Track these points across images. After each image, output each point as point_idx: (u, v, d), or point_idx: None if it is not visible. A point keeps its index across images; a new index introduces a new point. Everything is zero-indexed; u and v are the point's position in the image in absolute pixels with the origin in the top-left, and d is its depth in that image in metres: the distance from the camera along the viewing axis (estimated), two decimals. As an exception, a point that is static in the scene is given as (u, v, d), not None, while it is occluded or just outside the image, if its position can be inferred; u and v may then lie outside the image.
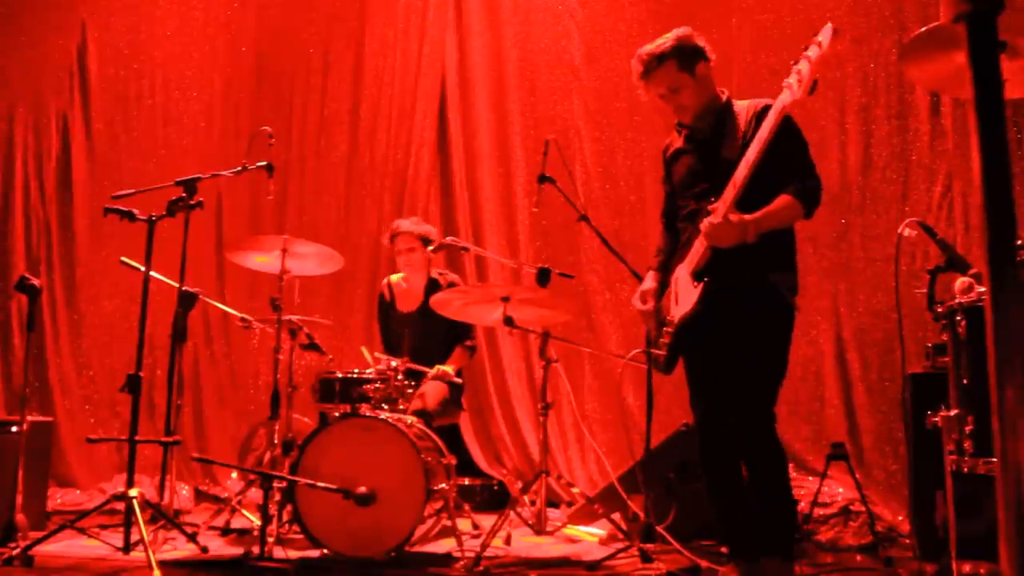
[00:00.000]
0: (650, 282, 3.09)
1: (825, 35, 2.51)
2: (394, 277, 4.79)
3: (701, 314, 2.78)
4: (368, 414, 3.60)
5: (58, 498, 5.08)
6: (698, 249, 2.79)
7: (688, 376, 3.00)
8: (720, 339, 2.80)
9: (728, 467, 2.89)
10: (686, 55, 2.91)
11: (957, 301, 2.62)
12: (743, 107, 2.93)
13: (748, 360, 2.78)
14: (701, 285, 2.76)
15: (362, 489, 3.27)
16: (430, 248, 4.50)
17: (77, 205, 5.92)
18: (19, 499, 3.62)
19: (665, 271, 3.07)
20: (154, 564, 3.03)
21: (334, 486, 3.28)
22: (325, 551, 3.38)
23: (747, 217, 2.67)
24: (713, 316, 2.77)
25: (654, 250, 3.23)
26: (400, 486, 3.34)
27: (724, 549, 3.21)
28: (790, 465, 3.04)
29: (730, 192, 2.67)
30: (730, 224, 2.66)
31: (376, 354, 4.19)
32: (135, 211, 3.70)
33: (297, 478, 3.38)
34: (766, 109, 2.75)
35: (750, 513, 2.83)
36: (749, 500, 2.83)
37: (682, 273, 2.88)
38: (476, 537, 3.76)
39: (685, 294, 2.85)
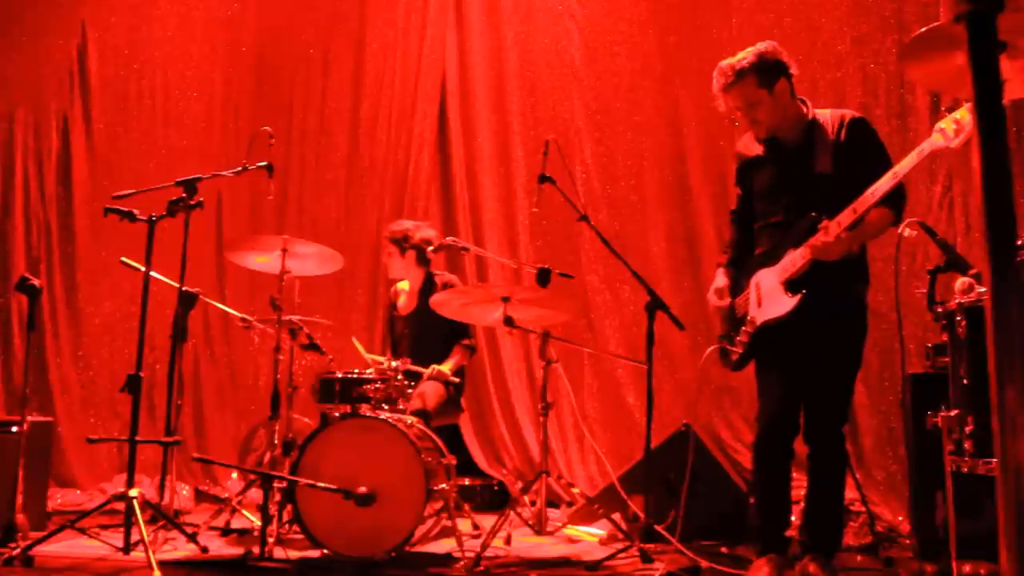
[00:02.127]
0: (724, 279, 3.24)
1: None
2: (400, 284, 4.80)
3: (794, 322, 2.92)
4: (368, 414, 3.60)
5: (58, 498, 5.08)
6: (795, 261, 2.92)
7: (765, 375, 3.12)
8: (810, 346, 2.95)
9: (784, 466, 3.07)
10: (766, 71, 2.98)
11: (957, 301, 2.62)
12: (827, 117, 3.04)
13: (836, 368, 2.98)
14: (799, 296, 2.90)
15: (362, 489, 3.27)
16: (430, 249, 4.49)
17: (77, 205, 5.92)
18: (19, 499, 3.62)
19: (736, 269, 3.22)
20: (154, 564, 3.03)
21: (334, 486, 3.28)
22: (325, 551, 3.38)
23: (853, 233, 2.81)
24: (805, 324, 2.91)
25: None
26: (400, 486, 3.34)
27: (723, 548, 3.23)
28: (807, 478, 3.13)
29: (848, 217, 2.78)
30: (840, 241, 2.81)
31: (372, 356, 4.18)
32: (135, 211, 3.70)
33: (297, 478, 3.37)
34: (855, 121, 2.97)
35: (789, 511, 3.09)
36: (789, 499, 3.08)
37: (768, 279, 3.02)
38: (476, 537, 3.76)
39: (773, 300, 2.99)
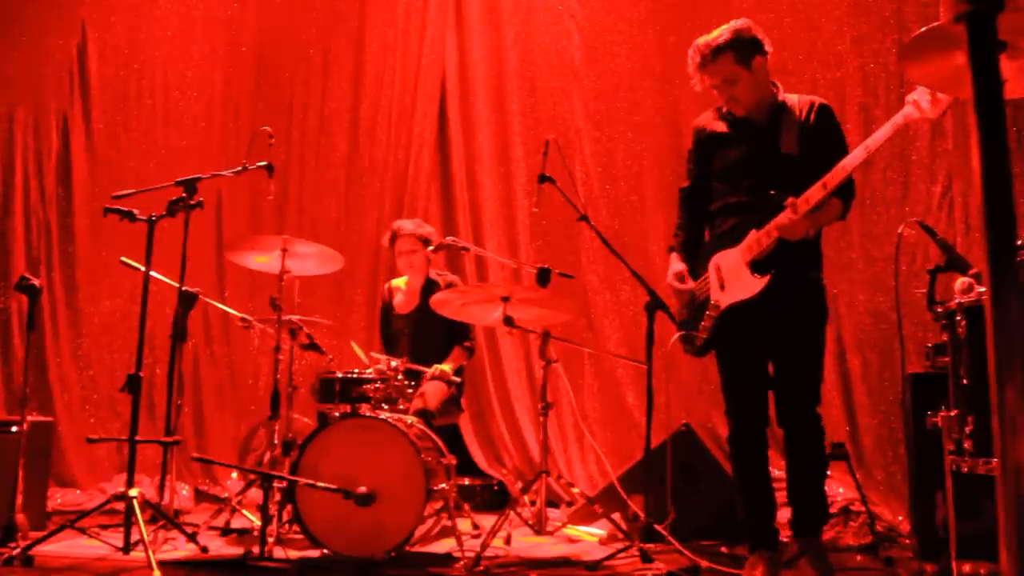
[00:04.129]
0: (681, 263, 3.18)
1: None
2: (395, 281, 4.80)
3: (760, 304, 2.88)
4: (368, 414, 3.60)
5: (58, 498, 5.08)
6: (761, 240, 2.89)
7: (730, 362, 3.08)
8: (775, 330, 2.93)
9: (763, 457, 3.04)
10: (744, 47, 2.94)
11: (957, 301, 2.62)
12: (795, 101, 3.01)
13: (805, 352, 2.95)
14: (768, 277, 2.87)
15: (362, 489, 3.27)
16: (430, 248, 4.50)
17: (77, 205, 5.92)
18: (19, 499, 3.61)
19: (689, 253, 3.18)
20: (154, 564, 3.03)
21: (334, 486, 3.28)
22: (325, 551, 3.38)
23: (812, 216, 2.80)
24: (771, 307, 2.88)
25: (673, 229, 3.30)
26: (400, 486, 3.34)
27: (723, 548, 3.23)
28: (785, 462, 3.09)
29: (818, 193, 2.75)
30: (804, 220, 2.79)
31: (373, 354, 4.19)
32: (135, 211, 3.70)
33: (297, 478, 3.37)
34: (824, 107, 2.95)
35: (773, 503, 3.05)
36: (772, 490, 3.04)
37: (729, 260, 2.98)
38: (476, 537, 3.76)
39: (739, 282, 2.94)
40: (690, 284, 3.14)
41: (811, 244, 2.96)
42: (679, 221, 3.29)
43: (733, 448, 3.08)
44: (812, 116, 2.96)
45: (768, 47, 2.99)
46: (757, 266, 2.90)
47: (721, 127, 3.11)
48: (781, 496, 3.14)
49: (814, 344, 2.98)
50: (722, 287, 3.01)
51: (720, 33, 2.95)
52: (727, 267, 2.99)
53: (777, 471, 4.56)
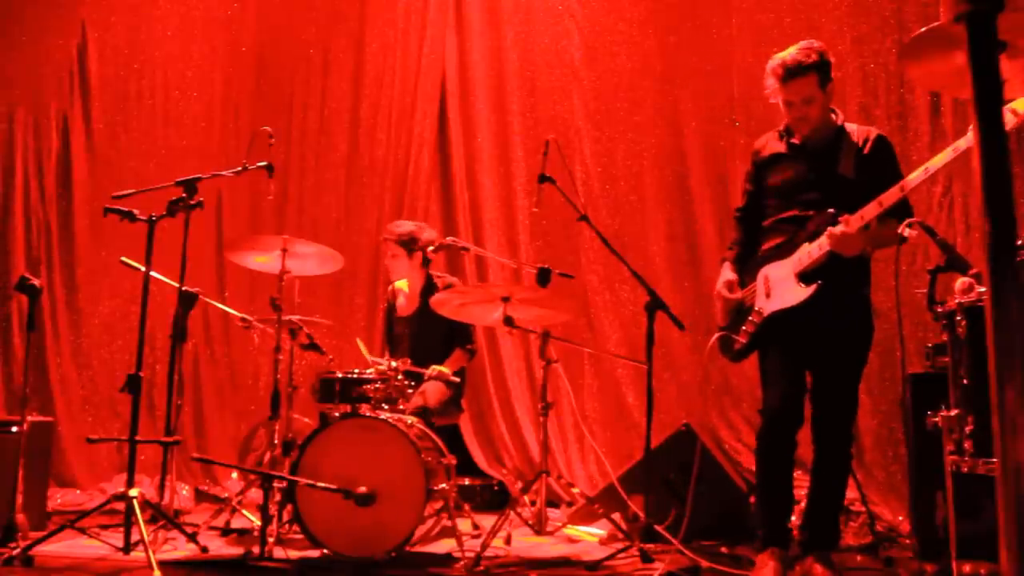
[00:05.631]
0: (732, 273, 3.27)
1: None
2: (398, 284, 4.80)
3: (804, 314, 2.95)
4: (368, 414, 3.60)
5: (58, 498, 5.08)
6: (812, 253, 2.96)
7: (769, 365, 3.12)
8: (819, 343, 2.99)
9: (788, 458, 3.07)
10: (825, 71, 3.04)
11: (957, 301, 2.62)
12: (854, 129, 3.11)
13: (847, 369, 3.02)
14: (815, 286, 2.94)
15: (362, 489, 3.27)
16: (430, 249, 4.48)
17: (77, 205, 5.92)
18: (19, 499, 3.61)
19: (742, 265, 3.26)
20: (154, 564, 3.03)
21: (334, 486, 3.28)
22: (325, 551, 3.38)
23: (869, 233, 2.88)
24: (815, 319, 2.95)
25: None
26: (400, 486, 3.34)
27: (723, 548, 3.23)
28: (810, 477, 3.15)
29: (873, 210, 2.82)
30: (858, 236, 2.86)
31: (371, 358, 4.19)
32: (135, 211, 3.70)
33: (297, 478, 3.37)
34: (881, 137, 3.07)
35: (791, 503, 3.11)
36: (792, 491, 3.10)
37: (778, 271, 3.06)
38: (476, 537, 3.76)
39: (785, 290, 3.03)
40: (739, 293, 3.22)
41: (861, 262, 3.02)
42: (735, 237, 3.38)
43: (760, 444, 3.10)
44: (870, 144, 3.05)
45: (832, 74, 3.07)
46: (805, 277, 2.98)
47: (780, 147, 3.18)
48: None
49: (856, 360, 3.05)
50: (768, 296, 3.08)
51: (805, 52, 3.00)
52: (775, 278, 3.07)
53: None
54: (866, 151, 3.04)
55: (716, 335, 3.28)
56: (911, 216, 2.95)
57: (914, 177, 2.75)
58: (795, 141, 3.14)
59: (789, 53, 3.02)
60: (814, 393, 3.06)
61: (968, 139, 2.59)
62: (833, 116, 3.13)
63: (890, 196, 2.79)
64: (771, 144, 3.23)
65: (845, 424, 3.04)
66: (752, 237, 3.27)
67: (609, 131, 5.60)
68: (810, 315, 2.96)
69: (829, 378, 3.03)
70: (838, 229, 2.86)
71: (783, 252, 3.07)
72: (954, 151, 2.64)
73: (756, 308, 3.12)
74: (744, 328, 3.15)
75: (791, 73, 2.99)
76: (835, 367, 3.02)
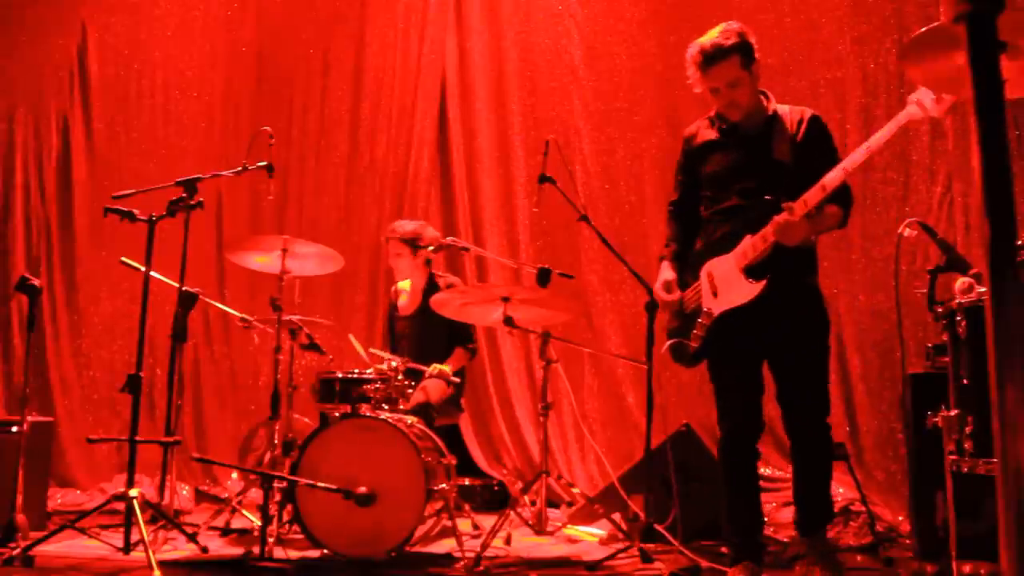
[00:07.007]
0: (671, 272, 3.12)
1: None
2: (400, 283, 4.80)
3: (755, 311, 2.83)
4: (368, 414, 3.60)
5: (58, 498, 5.09)
6: (756, 245, 2.83)
7: (723, 371, 3.01)
8: (777, 336, 2.89)
9: (753, 468, 2.99)
10: (747, 52, 2.91)
11: (957, 301, 2.62)
12: (786, 112, 2.99)
13: (811, 361, 2.92)
14: (764, 282, 2.81)
15: (362, 489, 3.27)
16: (431, 249, 4.48)
17: (77, 205, 5.93)
18: (19, 499, 3.62)
19: (682, 262, 3.12)
20: (154, 564, 3.03)
21: (334, 486, 3.28)
22: (325, 551, 3.38)
23: (812, 221, 2.77)
24: (766, 315, 2.84)
25: (664, 240, 3.25)
26: (400, 486, 3.34)
27: (723, 548, 3.22)
28: (791, 466, 3.08)
29: (817, 195, 2.72)
30: (803, 224, 2.75)
31: (372, 350, 4.19)
32: (135, 211, 3.70)
33: (297, 478, 3.38)
34: (814, 119, 2.93)
35: (760, 515, 3.03)
36: (759, 502, 3.00)
37: (723, 267, 2.92)
38: (476, 537, 3.76)
39: (733, 288, 2.88)
40: (677, 293, 3.07)
41: (807, 250, 2.93)
42: (669, 233, 3.23)
43: (724, 457, 3.01)
44: (803, 127, 2.94)
45: (757, 54, 2.96)
46: (752, 271, 2.85)
47: (712, 134, 3.06)
48: (784, 496, 3.15)
49: (817, 352, 2.95)
50: (715, 294, 2.95)
51: (724, 34, 2.89)
52: (720, 274, 2.94)
53: (779, 471, 4.59)
54: (800, 134, 2.92)
55: (667, 343, 3.13)
56: (851, 201, 2.90)
57: (856, 156, 2.67)
58: (725, 127, 3.02)
59: (708, 38, 2.91)
60: (780, 394, 2.96)
61: (908, 112, 2.56)
62: (764, 99, 3.00)
63: (833, 179, 2.70)
64: (703, 132, 3.10)
65: (818, 420, 2.92)
66: (690, 231, 3.13)
67: (609, 131, 5.60)
68: (761, 311, 2.83)
69: (792, 376, 2.93)
70: (782, 217, 2.75)
71: (724, 245, 2.93)
72: (895, 125, 2.58)
73: (705, 309, 2.96)
74: (695, 332, 3.00)
75: (710, 58, 2.87)
76: (796, 364, 2.92)
